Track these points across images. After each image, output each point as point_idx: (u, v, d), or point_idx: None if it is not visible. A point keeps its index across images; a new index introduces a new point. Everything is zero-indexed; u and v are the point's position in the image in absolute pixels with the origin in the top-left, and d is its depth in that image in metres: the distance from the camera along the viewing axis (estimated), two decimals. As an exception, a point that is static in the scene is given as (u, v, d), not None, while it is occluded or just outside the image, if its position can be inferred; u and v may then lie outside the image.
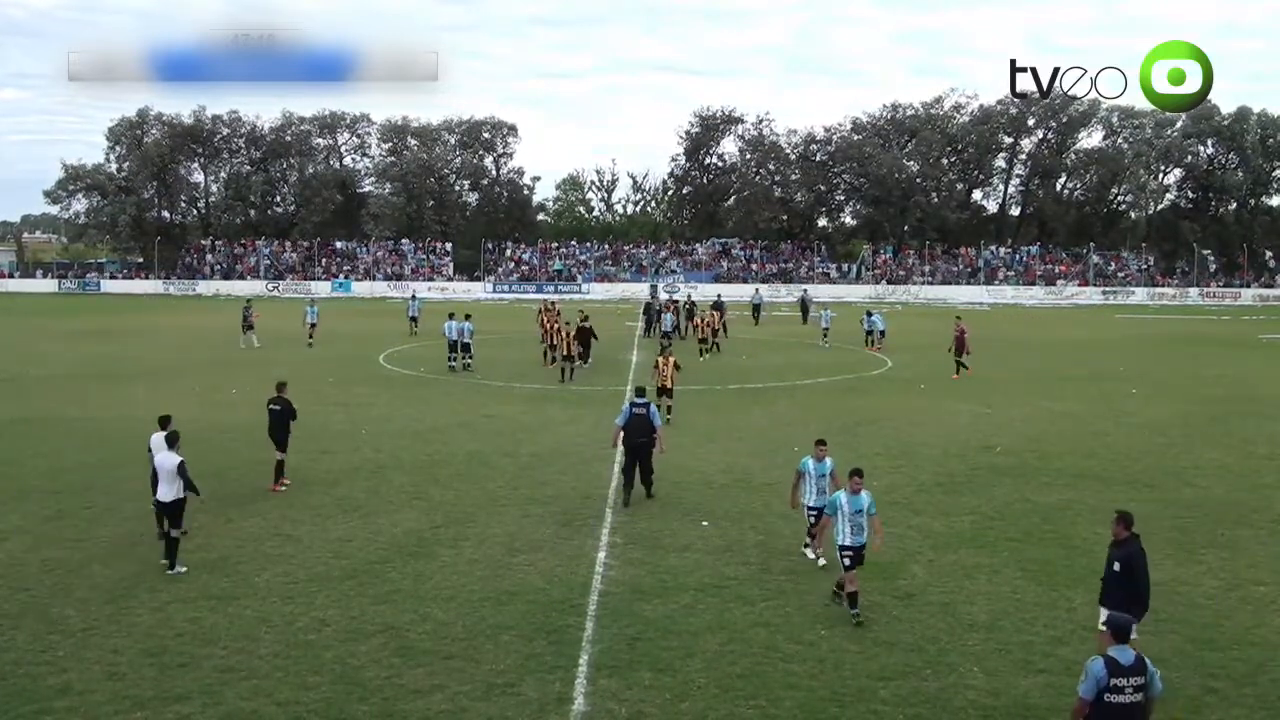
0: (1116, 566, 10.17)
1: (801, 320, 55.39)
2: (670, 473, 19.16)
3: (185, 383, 30.83)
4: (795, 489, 14.02)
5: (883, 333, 41.91)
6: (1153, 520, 16.15)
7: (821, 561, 13.68)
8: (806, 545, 14.13)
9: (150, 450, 14.66)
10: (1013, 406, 27.23)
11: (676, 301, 48.18)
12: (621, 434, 17.16)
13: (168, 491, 13.53)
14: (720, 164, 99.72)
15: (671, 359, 24.68)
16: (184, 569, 13.39)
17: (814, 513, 13.52)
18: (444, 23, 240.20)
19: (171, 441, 13.79)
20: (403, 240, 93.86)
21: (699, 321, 40.21)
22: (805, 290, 68.82)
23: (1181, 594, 12.91)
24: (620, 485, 17.46)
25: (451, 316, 34.73)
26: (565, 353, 31.73)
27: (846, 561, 11.85)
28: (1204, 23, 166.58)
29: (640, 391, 18.23)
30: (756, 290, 64.00)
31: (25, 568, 13.63)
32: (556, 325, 33.78)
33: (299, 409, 18.30)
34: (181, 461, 13.53)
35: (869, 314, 42.49)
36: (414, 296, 52.05)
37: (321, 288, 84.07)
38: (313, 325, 42.02)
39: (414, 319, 47.07)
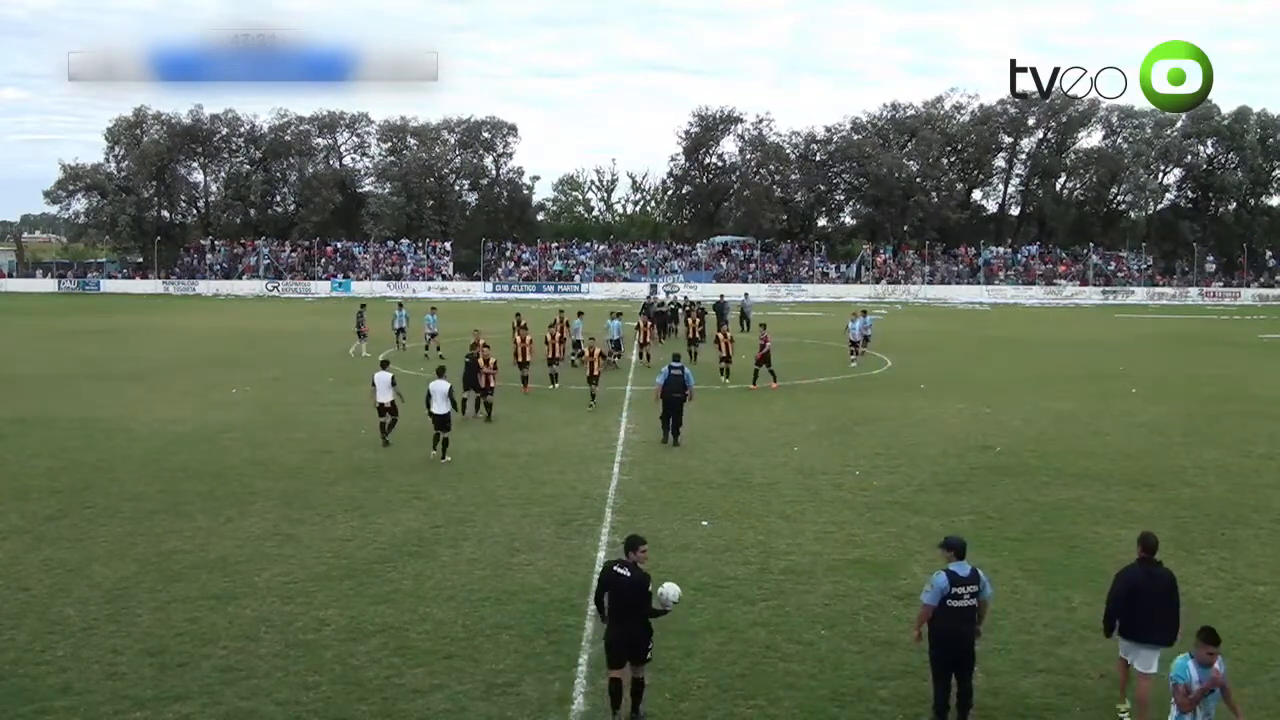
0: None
1: (741, 328, 47.54)
2: (670, 473, 19.25)
3: (185, 383, 30.82)
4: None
5: (866, 338, 40.18)
6: (1153, 520, 16.17)
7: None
8: None
9: (430, 394, 20.38)
10: (1013, 406, 27.21)
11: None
12: (661, 390, 21.59)
13: (440, 407, 19.99)
14: (720, 164, 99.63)
15: (597, 349, 27.87)
16: (449, 459, 19.77)
17: None
18: (444, 23, 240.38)
19: (440, 373, 20.98)
20: (402, 240, 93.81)
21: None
22: (745, 296, 57.26)
23: (1181, 594, 12.87)
24: (659, 433, 21.95)
25: (580, 315, 35.27)
26: (484, 385, 24.63)
27: None
28: (1203, 23, 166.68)
29: (676, 356, 22.85)
30: (662, 294, 47.76)
31: (25, 567, 13.64)
32: (485, 348, 25.94)
33: (297, 408, 18.31)
34: (450, 386, 20.38)
35: (864, 314, 41.93)
36: (400, 306, 42.89)
37: (321, 287, 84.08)
38: (433, 334, 38.58)
39: (401, 330, 40.53)
